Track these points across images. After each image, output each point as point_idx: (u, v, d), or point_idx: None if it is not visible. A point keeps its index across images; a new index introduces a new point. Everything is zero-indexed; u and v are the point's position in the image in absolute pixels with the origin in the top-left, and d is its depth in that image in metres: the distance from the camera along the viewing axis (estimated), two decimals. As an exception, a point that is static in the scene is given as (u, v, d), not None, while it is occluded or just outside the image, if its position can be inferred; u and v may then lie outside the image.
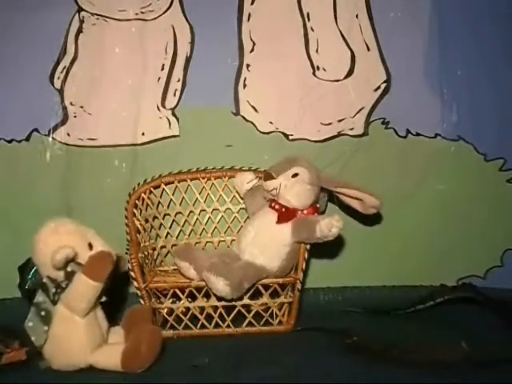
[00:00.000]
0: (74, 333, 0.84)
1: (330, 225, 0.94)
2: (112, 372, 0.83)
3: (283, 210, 1.00)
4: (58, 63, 1.18)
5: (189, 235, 1.18)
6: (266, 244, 1.00)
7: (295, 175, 1.00)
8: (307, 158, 1.05)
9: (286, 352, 0.93)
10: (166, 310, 1.03)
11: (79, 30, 1.18)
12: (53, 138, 1.17)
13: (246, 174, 1.12)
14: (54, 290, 0.84)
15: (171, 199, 1.16)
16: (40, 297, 0.85)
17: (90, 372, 0.84)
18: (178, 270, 1.03)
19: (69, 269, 0.84)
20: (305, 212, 1.00)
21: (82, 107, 1.18)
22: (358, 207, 1.04)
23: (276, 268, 1.00)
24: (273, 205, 1.01)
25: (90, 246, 0.87)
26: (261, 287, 1.00)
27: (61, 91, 1.18)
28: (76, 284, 0.83)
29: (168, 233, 1.17)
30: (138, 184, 1.13)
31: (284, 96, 1.21)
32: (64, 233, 0.86)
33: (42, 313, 0.84)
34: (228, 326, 1.02)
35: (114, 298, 0.90)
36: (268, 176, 1.00)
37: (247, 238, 1.02)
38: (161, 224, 1.17)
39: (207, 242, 1.18)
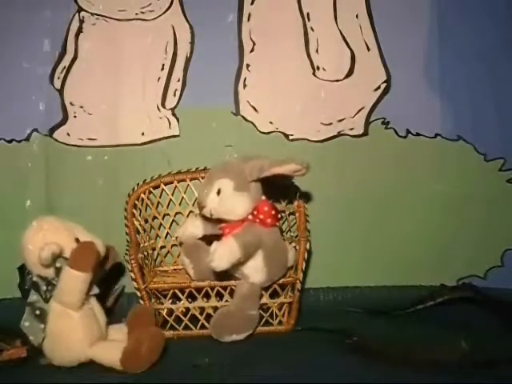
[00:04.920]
0: (70, 328, 0.84)
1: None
2: (112, 371, 0.83)
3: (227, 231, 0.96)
4: (58, 63, 1.18)
5: (188, 235, 1.18)
6: (243, 266, 0.97)
7: (219, 192, 0.96)
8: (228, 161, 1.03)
9: (286, 352, 0.93)
10: (165, 310, 1.03)
11: (79, 30, 1.18)
12: (53, 137, 1.18)
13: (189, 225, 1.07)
14: (45, 288, 0.85)
15: (171, 199, 1.16)
16: (33, 296, 0.85)
17: (90, 371, 0.84)
18: (177, 270, 1.02)
19: (58, 265, 0.84)
20: (254, 213, 0.96)
21: (81, 107, 1.18)
22: (288, 175, 0.97)
23: (264, 279, 0.98)
24: (224, 232, 0.97)
25: (77, 241, 0.87)
26: (261, 287, 1.00)
27: (61, 91, 1.18)
28: (64, 278, 0.83)
29: (168, 233, 1.17)
30: (138, 184, 1.13)
31: (284, 96, 1.21)
32: (48, 229, 0.86)
33: (37, 312, 0.85)
34: (228, 326, 1.02)
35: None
36: (200, 206, 0.98)
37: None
38: (160, 224, 1.17)
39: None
